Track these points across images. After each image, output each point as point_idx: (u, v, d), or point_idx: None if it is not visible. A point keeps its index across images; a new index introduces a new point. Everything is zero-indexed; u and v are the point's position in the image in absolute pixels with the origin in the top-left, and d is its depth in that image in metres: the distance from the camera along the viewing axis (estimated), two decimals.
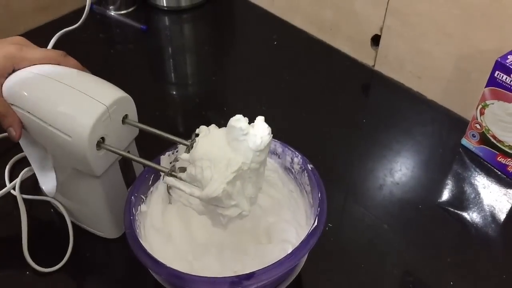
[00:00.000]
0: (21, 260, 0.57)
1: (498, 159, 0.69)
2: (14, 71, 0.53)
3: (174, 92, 0.90)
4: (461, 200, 0.67)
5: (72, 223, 0.61)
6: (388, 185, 0.68)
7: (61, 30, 0.75)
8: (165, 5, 1.02)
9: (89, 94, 0.50)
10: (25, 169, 0.65)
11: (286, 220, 0.57)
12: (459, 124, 0.75)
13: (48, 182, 0.63)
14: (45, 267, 0.57)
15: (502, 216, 0.65)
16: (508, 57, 0.62)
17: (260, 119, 0.47)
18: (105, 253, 0.61)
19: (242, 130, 0.45)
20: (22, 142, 0.59)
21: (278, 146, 0.57)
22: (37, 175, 0.63)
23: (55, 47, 0.74)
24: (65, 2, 0.98)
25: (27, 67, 0.53)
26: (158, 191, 0.57)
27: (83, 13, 0.76)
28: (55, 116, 0.49)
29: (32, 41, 0.56)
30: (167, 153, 0.57)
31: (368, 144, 0.75)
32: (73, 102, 0.50)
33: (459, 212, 0.65)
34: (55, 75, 0.52)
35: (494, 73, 0.63)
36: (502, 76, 0.62)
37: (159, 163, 0.55)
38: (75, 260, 0.59)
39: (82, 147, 0.49)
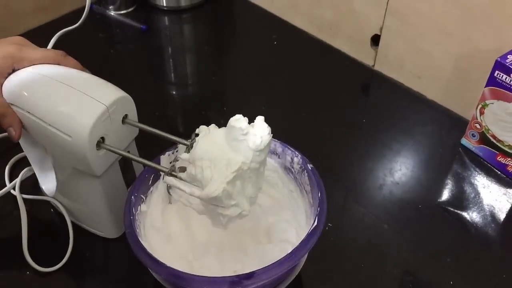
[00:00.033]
0: (21, 260, 0.57)
1: (498, 158, 0.69)
2: (14, 71, 0.53)
3: (174, 92, 0.90)
4: (461, 199, 0.67)
5: (72, 222, 0.61)
6: (388, 185, 0.68)
7: (61, 30, 0.75)
8: (165, 5, 1.02)
9: (89, 94, 0.50)
10: (25, 169, 0.65)
11: (286, 220, 0.57)
12: (459, 124, 0.75)
13: (48, 182, 0.63)
14: (45, 267, 0.57)
15: (502, 215, 0.65)
16: (508, 56, 0.62)
17: (260, 119, 0.47)
18: (105, 253, 0.61)
19: (242, 130, 0.45)
20: (22, 142, 0.59)
21: (278, 146, 0.57)
22: (37, 175, 0.63)
23: (55, 47, 0.74)
24: (65, 2, 0.98)
25: (27, 67, 0.53)
26: (158, 191, 0.57)
27: (83, 13, 0.76)
28: (55, 116, 0.50)
29: (32, 41, 0.56)
30: (167, 153, 0.57)
31: (368, 143, 0.75)
32: (73, 102, 0.50)
33: (459, 211, 0.65)
34: (55, 75, 0.52)
35: (494, 72, 0.63)
36: (502, 75, 0.62)
37: (159, 163, 0.55)
38: (75, 260, 0.59)
39: (82, 147, 0.49)
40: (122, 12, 1.01)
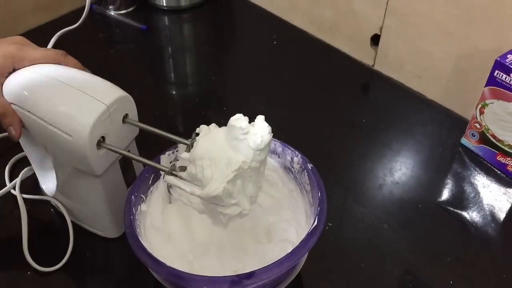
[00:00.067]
0: (21, 260, 0.57)
1: (497, 158, 0.69)
2: (14, 70, 0.53)
3: (174, 92, 0.90)
4: (461, 199, 0.67)
5: (72, 222, 0.61)
6: (388, 185, 0.69)
7: (61, 30, 0.75)
8: (164, 4, 1.02)
9: (89, 94, 0.50)
10: (25, 169, 0.65)
11: (286, 220, 0.57)
12: (458, 124, 0.75)
13: (48, 182, 0.63)
14: (46, 267, 0.57)
15: (501, 215, 0.65)
16: (508, 56, 0.62)
17: (260, 118, 0.47)
18: (105, 253, 0.61)
19: (242, 129, 0.45)
20: (22, 142, 0.59)
21: (278, 146, 0.57)
22: (37, 174, 0.63)
23: (55, 46, 0.74)
24: (65, 2, 0.98)
25: (27, 66, 0.53)
26: (158, 191, 0.57)
27: (83, 13, 0.77)
28: (55, 115, 0.50)
29: (32, 41, 0.56)
30: (167, 153, 0.57)
31: (368, 143, 0.75)
32: (74, 101, 0.50)
33: (458, 211, 0.65)
34: (55, 75, 0.52)
35: (494, 72, 0.63)
36: (502, 75, 0.62)
37: (159, 163, 0.55)
38: (75, 260, 0.59)
39: (83, 146, 0.49)
40: (122, 12, 1.01)
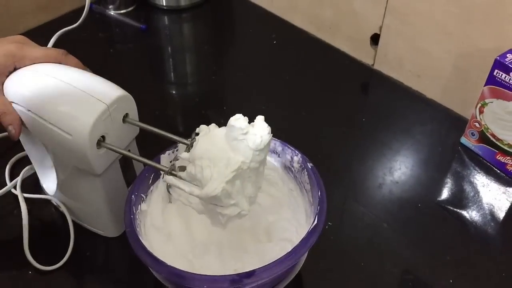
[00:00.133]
0: (22, 259, 0.57)
1: (497, 157, 0.70)
2: (15, 69, 0.53)
3: (174, 92, 0.90)
4: (461, 198, 0.67)
5: (73, 221, 0.61)
6: (387, 184, 0.69)
7: (60, 29, 0.75)
8: (164, 4, 1.02)
9: (89, 93, 0.50)
10: (26, 168, 0.66)
11: (286, 219, 0.57)
12: (458, 123, 0.75)
13: (49, 181, 0.63)
14: (46, 265, 0.58)
15: (501, 214, 0.65)
16: (507, 55, 0.62)
17: (260, 119, 0.47)
18: (105, 252, 0.61)
19: (242, 130, 0.45)
20: (22, 140, 0.59)
21: (278, 145, 0.58)
22: (38, 173, 0.63)
23: (54, 46, 0.74)
24: (65, 2, 0.98)
25: (28, 65, 0.53)
26: (158, 190, 0.57)
27: (83, 12, 0.77)
28: (55, 114, 0.50)
29: (31, 40, 0.56)
30: (167, 152, 0.57)
31: (367, 143, 0.75)
32: (74, 100, 0.50)
33: (458, 210, 0.66)
34: (56, 74, 0.52)
35: (493, 71, 0.63)
36: (501, 74, 0.62)
37: (159, 162, 0.55)
38: (76, 259, 0.59)
39: (83, 146, 0.49)
40: (122, 11, 1.01)
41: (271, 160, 0.59)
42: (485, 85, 0.65)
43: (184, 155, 0.49)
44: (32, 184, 0.65)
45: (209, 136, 0.48)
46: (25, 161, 0.67)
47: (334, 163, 0.72)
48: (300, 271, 0.54)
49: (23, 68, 0.53)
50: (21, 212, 0.59)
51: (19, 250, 0.58)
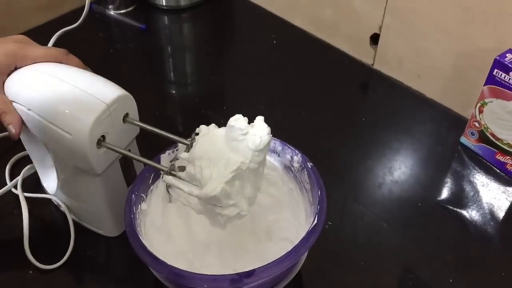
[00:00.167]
0: (22, 258, 0.57)
1: (497, 157, 0.70)
2: (16, 68, 0.53)
3: (174, 91, 0.90)
4: (460, 198, 0.67)
5: (74, 220, 0.62)
6: (387, 184, 0.69)
7: (60, 29, 0.75)
8: (164, 4, 1.02)
9: (90, 92, 0.50)
10: (27, 167, 0.66)
11: (286, 218, 0.57)
12: (458, 122, 0.75)
13: (49, 180, 0.63)
14: (47, 264, 0.58)
15: (501, 214, 0.65)
16: (507, 55, 0.62)
17: (259, 119, 0.47)
18: (106, 251, 0.61)
19: (241, 130, 0.45)
20: (23, 140, 0.59)
21: (278, 145, 0.58)
22: (38, 172, 0.63)
23: (54, 46, 0.74)
24: (65, 2, 0.98)
25: (29, 65, 0.53)
26: (158, 190, 0.57)
27: (83, 12, 0.77)
28: (56, 113, 0.50)
29: (31, 40, 0.56)
30: (167, 152, 0.57)
31: (367, 142, 0.75)
32: (74, 100, 0.50)
33: (458, 210, 0.66)
34: (56, 73, 0.52)
35: (493, 71, 0.63)
36: (501, 74, 0.62)
37: (159, 162, 0.55)
38: (76, 258, 0.59)
39: (83, 145, 0.49)
40: (122, 11, 1.01)
41: (271, 159, 0.59)
42: (484, 85, 0.65)
43: (184, 155, 0.49)
44: (33, 183, 0.66)
45: (208, 136, 0.48)
46: (25, 161, 0.67)
47: (334, 163, 0.72)
48: (300, 271, 0.54)
49: (24, 67, 0.53)
50: (21, 211, 0.59)
51: (19, 249, 0.58)
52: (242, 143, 0.46)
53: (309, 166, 0.54)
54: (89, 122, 0.48)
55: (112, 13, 1.01)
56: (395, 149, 0.74)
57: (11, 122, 0.51)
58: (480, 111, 0.68)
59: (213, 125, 0.49)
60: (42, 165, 0.62)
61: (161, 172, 0.53)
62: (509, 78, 0.62)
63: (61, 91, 0.50)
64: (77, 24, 0.77)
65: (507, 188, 0.68)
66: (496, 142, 0.68)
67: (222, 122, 0.48)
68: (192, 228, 0.56)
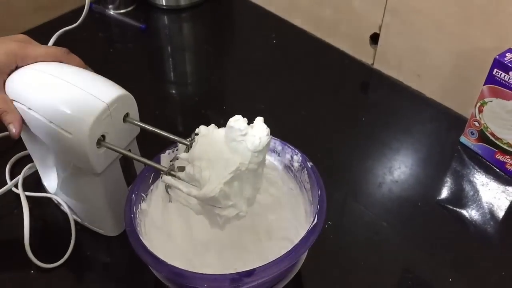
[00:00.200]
0: (23, 256, 0.57)
1: (496, 156, 0.70)
2: (17, 68, 0.53)
3: (174, 91, 0.90)
4: (460, 197, 0.67)
5: (74, 219, 0.62)
6: (387, 183, 0.69)
7: (60, 29, 0.75)
8: (164, 4, 1.02)
9: (90, 92, 0.50)
10: (27, 166, 0.66)
11: (286, 218, 0.57)
12: (457, 122, 0.76)
13: (50, 179, 0.63)
14: (47, 263, 0.58)
15: (500, 213, 0.65)
16: (507, 55, 0.63)
17: (259, 120, 0.47)
18: (106, 250, 0.61)
19: (240, 131, 0.45)
20: (24, 138, 0.59)
21: (278, 144, 0.58)
22: (39, 171, 0.63)
23: (54, 45, 0.74)
24: (65, 2, 0.98)
25: (30, 64, 0.53)
26: (158, 189, 0.57)
27: (83, 12, 0.76)
28: (56, 113, 0.50)
29: None
30: (167, 151, 0.57)
31: (367, 142, 0.75)
32: (74, 99, 0.50)
33: (458, 209, 0.66)
34: (57, 73, 0.52)
35: (493, 71, 0.63)
36: (501, 74, 0.63)
37: (159, 162, 0.55)
38: (77, 257, 0.59)
39: (82, 145, 0.49)
40: (122, 11, 1.01)
41: (271, 159, 0.59)
42: (484, 84, 0.65)
43: (183, 155, 0.49)
44: (33, 182, 0.66)
45: (208, 137, 0.48)
46: (26, 160, 0.67)
47: (334, 162, 0.72)
48: (300, 270, 0.54)
49: (25, 66, 0.53)
50: (22, 210, 0.60)
51: (20, 248, 0.58)
52: (242, 144, 0.46)
53: (309, 166, 0.54)
54: (89, 121, 0.48)
55: (112, 13, 1.01)
56: (395, 149, 0.74)
57: (11, 121, 0.51)
58: (480, 111, 0.68)
59: (212, 125, 0.49)
60: (43, 164, 0.62)
61: (161, 172, 0.53)
62: (509, 78, 0.62)
63: (61, 90, 0.50)
64: (77, 24, 0.76)
65: (507, 187, 0.68)
66: (496, 141, 0.68)
67: (222, 122, 0.48)
68: (192, 228, 0.57)
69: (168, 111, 0.83)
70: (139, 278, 0.58)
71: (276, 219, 0.57)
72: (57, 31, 0.74)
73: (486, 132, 0.69)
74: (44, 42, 0.73)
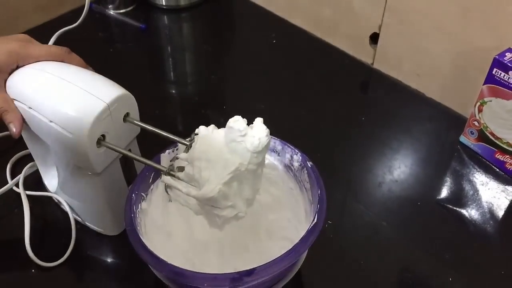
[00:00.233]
0: (23, 255, 0.58)
1: (496, 156, 0.70)
2: (18, 67, 0.53)
3: (174, 91, 0.90)
4: (460, 197, 0.67)
5: (75, 218, 0.62)
6: (387, 183, 0.69)
7: (60, 29, 0.75)
8: (164, 4, 1.02)
9: (90, 92, 0.50)
10: (28, 165, 0.66)
11: (286, 217, 0.57)
12: (457, 122, 0.76)
13: (51, 178, 0.63)
14: (47, 262, 0.58)
15: (500, 212, 0.65)
16: (506, 54, 0.63)
17: (258, 121, 0.47)
18: (107, 250, 0.61)
19: (240, 131, 0.45)
20: (25, 137, 0.59)
21: (278, 144, 0.58)
22: (40, 170, 0.64)
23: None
24: (65, 1, 0.98)
25: (31, 63, 0.53)
26: (158, 189, 0.57)
27: (82, 12, 0.76)
28: (56, 112, 0.50)
29: None
30: (167, 151, 0.57)
31: (367, 142, 0.75)
32: (74, 99, 0.50)
33: (457, 209, 0.66)
34: (57, 72, 0.52)
35: (492, 70, 0.63)
36: (500, 73, 0.63)
37: (159, 161, 0.55)
38: (77, 256, 0.59)
39: (82, 144, 0.49)
40: (121, 11, 1.02)
41: (271, 159, 0.59)
42: (484, 84, 0.65)
43: (183, 155, 0.49)
44: (34, 181, 0.66)
45: (208, 137, 0.48)
46: (27, 159, 0.67)
47: (334, 162, 0.72)
48: (300, 269, 0.54)
49: (26, 66, 0.53)
50: (23, 209, 0.60)
51: (20, 247, 0.58)
52: (241, 145, 0.46)
53: (309, 165, 0.54)
54: (89, 121, 0.48)
55: (112, 13, 1.01)
56: (395, 148, 0.74)
57: (11, 120, 0.51)
58: (480, 110, 0.68)
59: (212, 126, 0.49)
60: (44, 163, 0.63)
61: (161, 172, 0.53)
62: (509, 77, 0.62)
63: (61, 90, 0.50)
64: (77, 23, 0.76)
65: (507, 187, 0.68)
66: (496, 141, 0.68)
67: (222, 122, 0.48)
68: (193, 227, 0.57)
69: (168, 111, 0.83)
70: (139, 278, 0.58)
71: (276, 219, 0.57)
72: (57, 31, 0.74)
73: (485, 132, 0.69)
74: (44, 42, 0.72)
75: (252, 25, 1.01)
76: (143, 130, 0.56)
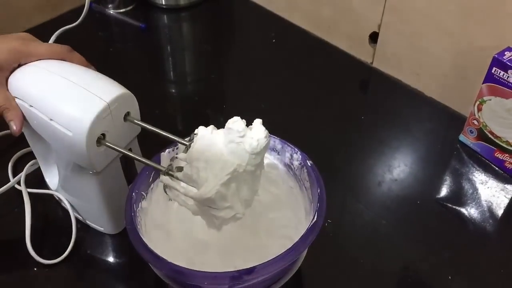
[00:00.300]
0: (24, 252, 0.58)
1: (495, 154, 0.70)
2: (19, 65, 0.53)
3: (173, 90, 0.90)
4: (459, 195, 0.67)
5: (75, 217, 0.62)
6: (386, 182, 0.69)
7: (60, 28, 0.75)
8: (164, 3, 1.02)
9: (90, 90, 0.50)
10: (30, 163, 0.66)
11: (286, 216, 0.57)
12: (457, 120, 0.76)
13: (52, 176, 0.63)
14: (48, 259, 0.58)
15: (499, 211, 0.65)
16: (505, 53, 0.63)
17: (257, 122, 0.47)
18: (107, 248, 0.61)
19: (239, 132, 0.45)
20: (27, 135, 0.59)
21: (278, 143, 0.58)
22: (41, 168, 0.64)
23: None
24: (64, 1, 0.98)
25: (32, 62, 0.53)
26: (159, 188, 0.57)
27: (82, 11, 0.77)
28: (56, 111, 0.50)
29: None
30: (167, 150, 0.57)
31: (366, 141, 0.75)
32: (75, 97, 0.50)
33: (457, 207, 0.66)
34: (58, 71, 0.52)
35: (491, 69, 0.64)
36: (499, 72, 0.63)
37: (159, 160, 0.55)
38: (77, 254, 0.60)
39: (82, 143, 0.49)
40: (121, 10, 1.02)
41: (271, 158, 0.59)
42: (483, 83, 0.66)
43: (182, 155, 0.49)
44: (36, 179, 0.66)
45: (207, 138, 0.48)
46: (28, 157, 0.67)
47: (334, 161, 0.72)
48: (300, 268, 0.54)
49: (27, 64, 0.53)
50: (24, 206, 0.60)
51: (21, 244, 0.58)
52: (240, 146, 0.46)
53: (309, 164, 0.55)
54: (89, 120, 0.48)
55: (111, 12, 1.01)
56: (394, 147, 0.74)
57: (12, 118, 0.51)
58: (479, 109, 0.68)
59: (211, 126, 0.49)
60: (45, 161, 0.63)
61: (160, 171, 0.53)
62: (508, 76, 0.62)
63: (62, 88, 0.51)
64: (76, 23, 0.76)
65: (506, 185, 0.68)
66: (495, 140, 0.69)
67: (222, 121, 0.48)
68: (193, 226, 0.57)
69: (168, 110, 0.83)
70: (140, 276, 0.58)
71: (276, 217, 0.57)
72: (56, 30, 0.74)
73: (485, 131, 0.69)
74: (44, 41, 0.72)
75: (252, 25, 1.02)
76: (143, 129, 0.56)
